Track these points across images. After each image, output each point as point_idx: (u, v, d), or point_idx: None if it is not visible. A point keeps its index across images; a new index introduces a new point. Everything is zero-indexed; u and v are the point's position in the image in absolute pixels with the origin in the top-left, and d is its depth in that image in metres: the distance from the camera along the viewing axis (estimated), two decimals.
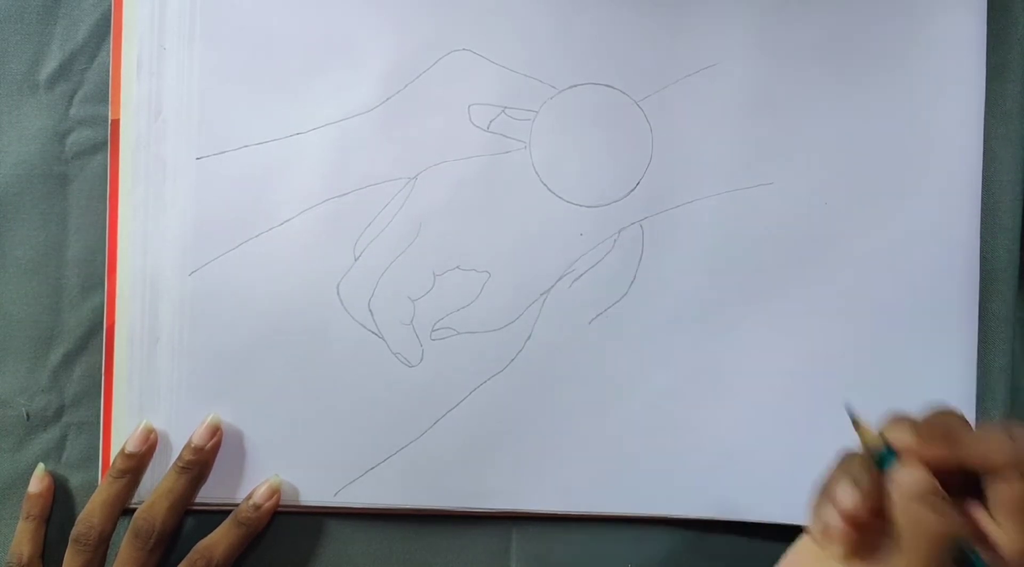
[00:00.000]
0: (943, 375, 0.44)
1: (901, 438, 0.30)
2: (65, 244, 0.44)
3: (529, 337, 0.43)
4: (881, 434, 0.31)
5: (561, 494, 0.43)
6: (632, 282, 0.44)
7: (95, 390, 0.44)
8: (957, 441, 0.30)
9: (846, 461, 0.31)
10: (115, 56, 0.43)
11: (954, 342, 0.44)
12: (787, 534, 0.44)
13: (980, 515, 0.29)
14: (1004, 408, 0.45)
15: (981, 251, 0.45)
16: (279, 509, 0.43)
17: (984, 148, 0.45)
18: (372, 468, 0.43)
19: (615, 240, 0.44)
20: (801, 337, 0.44)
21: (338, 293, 0.43)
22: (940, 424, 0.31)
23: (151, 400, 0.43)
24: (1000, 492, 0.28)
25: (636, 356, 0.43)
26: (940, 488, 0.29)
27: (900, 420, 0.31)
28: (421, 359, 0.43)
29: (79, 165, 0.44)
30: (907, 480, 0.29)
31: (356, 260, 0.43)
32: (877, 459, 0.30)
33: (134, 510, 0.41)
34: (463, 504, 0.43)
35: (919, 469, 0.29)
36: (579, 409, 0.43)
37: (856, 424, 0.32)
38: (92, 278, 0.44)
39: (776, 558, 0.44)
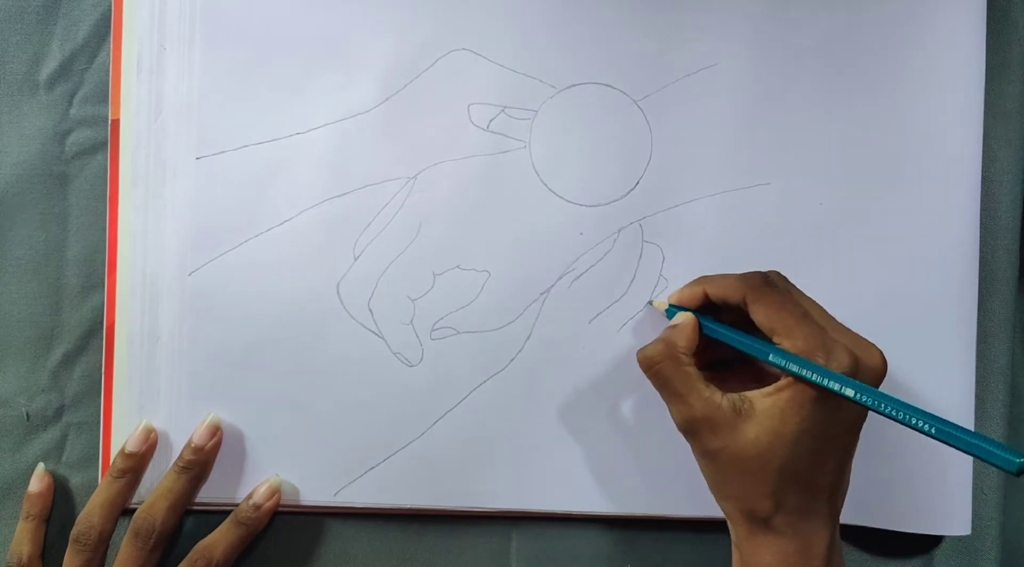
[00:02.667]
0: (943, 375, 0.44)
1: (672, 296, 0.42)
2: (65, 244, 0.44)
3: (529, 337, 0.43)
4: (666, 302, 0.42)
5: (561, 494, 0.43)
6: (632, 282, 0.44)
7: (95, 390, 0.44)
8: (704, 284, 0.40)
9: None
10: (115, 56, 0.43)
11: (954, 342, 0.44)
12: None
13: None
14: (1004, 408, 0.45)
15: (981, 251, 0.44)
16: (279, 509, 0.43)
17: (984, 148, 0.45)
18: (372, 468, 0.43)
19: (615, 240, 0.44)
20: None
21: (338, 293, 0.43)
22: (698, 279, 0.40)
23: (151, 400, 0.43)
24: (753, 315, 0.37)
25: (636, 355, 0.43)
26: (688, 315, 0.39)
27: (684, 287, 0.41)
28: (421, 359, 0.43)
29: (79, 165, 0.44)
30: (675, 318, 0.40)
31: (356, 260, 0.43)
32: (669, 316, 0.41)
33: (134, 510, 0.41)
34: (463, 504, 0.43)
35: (682, 313, 0.40)
36: (579, 409, 0.43)
37: (652, 303, 0.43)
38: (92, 278, 0.44)
39: None
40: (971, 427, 0.44)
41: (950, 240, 0.44)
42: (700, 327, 0.39)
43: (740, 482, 0.36)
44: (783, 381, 0.35)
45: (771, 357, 0.36)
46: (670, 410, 0.38)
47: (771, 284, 0.38)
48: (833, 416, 0.35)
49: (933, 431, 0.33)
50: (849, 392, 0.34)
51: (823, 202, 0.44)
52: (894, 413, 0.33)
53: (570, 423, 0.43)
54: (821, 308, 0.38)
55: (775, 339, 0.36)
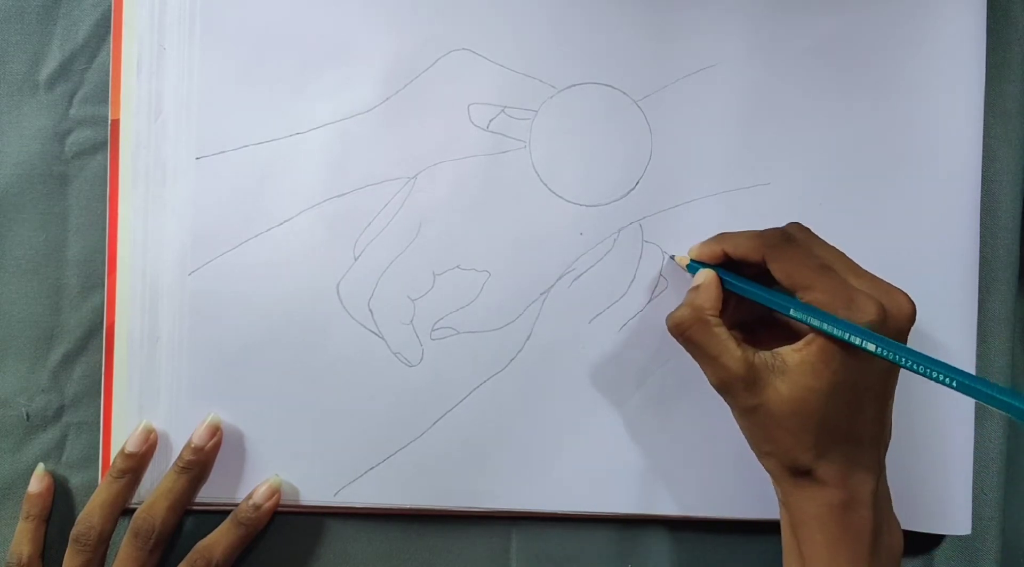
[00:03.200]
0: None
1: (691, 251, 0.41)
2: (65, 244, 0.44)
3: (529, 337, 0.43)
4: (686, 257, 0.42)
5: (561, 494, 0.43)
6: (632, 282, 0.44)
7: (95, 390, 0.44)
8: (724, 240, 0.40)
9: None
10: (115, 56, 0.43)
11: (954, 342, 0.44)
12: None
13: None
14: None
15: (981, 251, 0.44)
16: (279, 509, 0.43)
17: (984, 148, 0.44)
18: (372, 468, 0.43)
19: (615, 240, 0.44)
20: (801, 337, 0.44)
21: (338, 293, 0.43)
22: (718, 235, 0.41)
23: (151, 400, 0.43)
24: (773, 271, 0.37)
25: (636, 356, 0.43)
26: (710, 272, 0.39)
27: (703, 242, 0.41)
28: (421, 359, 0.43)
29: (79, 165, 0.44)
30: (696, 276, 0.40)
31: (356, 260, 0.43)
32: (691, 271, 0.41)
33: (134, 510, 0.41)
34: (463, 504, 0.43)
35: (703, 270, 0.40)
36: (579, 409, 0.43)
37: (673, 258, 0.43)
38: (92, 278, 0.44)
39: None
40: (971, 427, 0.44)
41: (950, 240, 0.44)
42: (723, 284, 0.39)
43: (779, 437, 0.36)
44: (810, 335, 0.35)
45: (792, 311, 0.36)
46: (704, 371, 0.38)
47: (790, 239, 0.38)
48: (864, 367, 0.35)
49: (955, 385, 0.33)
50: (871, 346, 0.34)
51: (823, 202, 0.44)
52: (915, 366, 0.33)
53: (570, 423, 0.43)
54: (844, 257, 0.38)
55: (797, 294, 0.36)
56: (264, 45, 0.43)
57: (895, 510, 0.43)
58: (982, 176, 0.44)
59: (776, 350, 0.36)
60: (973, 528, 0.44)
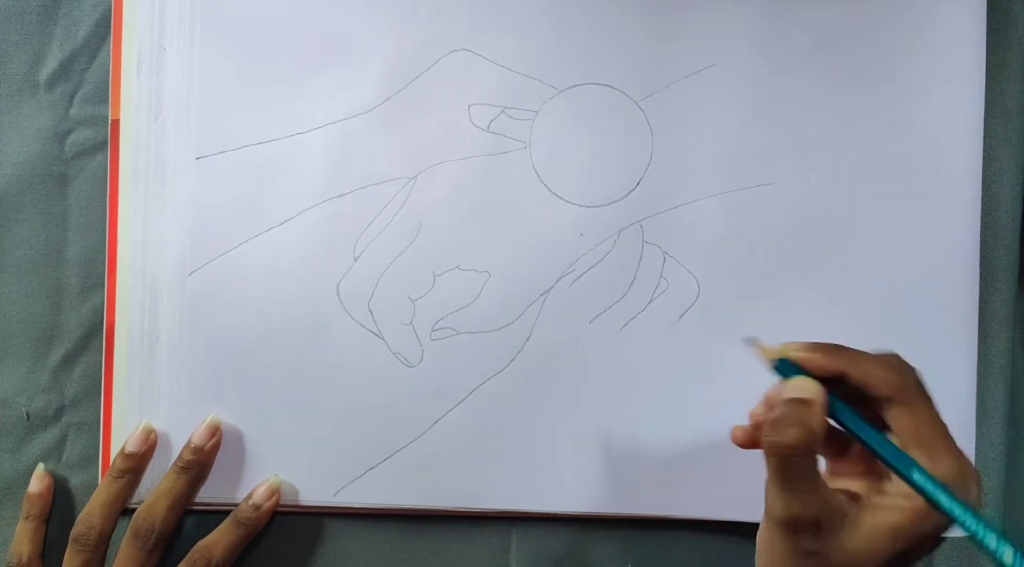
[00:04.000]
0: (943, 375, 0.44)
1: (797, 351, 0.33)
2: (65, 244, 0.44)
3: (529, 337, 0.43)
4: (781, 349, 0.33)
5: (561, 494, 0.43)
6: (632, 282, 0.44)
7: (95, 390, 0.44)
8: (846, 358, 0.32)
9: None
10: (115, 56, 0.43)
11: (954, 342, 0.44)
12: None
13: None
14: (1004, 408, 0.45)
15: (981, 251, 0.44)
16: (279, 509, 0.43)
17: (984, 148, 0.44)
18: (372, 468, 0.43)
19: (615, 240, 0.44)
20: (801, 337, 0.44)
21: (338, 293, 0.43)
22: (834, 346, 0.33)
23: (151, 400, 0.43)
24: (894, 417, 0.32)
25: (636, 356, 0.43)
26: (821, 390, 0.32)
27: (801, 344, 0.33)
28: (421, 359, 0.43)
29: (79, 165, 0.44)
30: (794, 384, 0.32)
31: (356, 260, 0.43)
32: (779, 372, 0.33)
33: (134, 510, 0.41)
34: (463, 504, 0.43)
35: (809, 379, 0.32)
36: (579, 409, 0.43)
37: (755, 343, 0.34)
38: (92, 278, 0.44)
39: None
40: (971, 427, 0.44)
41: (950, 240, 0.44)
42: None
43: None
44: (906, 502, 0.31)
45: (916, 477, 0.30)
46: (775, 500, 0.32)
47: (923, 389, 0.32)
48: (926, 542, 0.31)
49: None
50: (1008, 556, 0.29)
51: (824, 202, 0.44)
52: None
53: (570, 423, 0.43)
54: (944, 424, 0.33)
55: (919, 455, 0.31)
56: (264, 45, 0.43)
57: None
58: (982, 176, 0.44)
59: (856, 495, 0.32)
60: None
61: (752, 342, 0.35)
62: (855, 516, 0.31)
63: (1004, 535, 0.29)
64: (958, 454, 0.31)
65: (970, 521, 0.29)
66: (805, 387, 0.32)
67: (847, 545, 0.31)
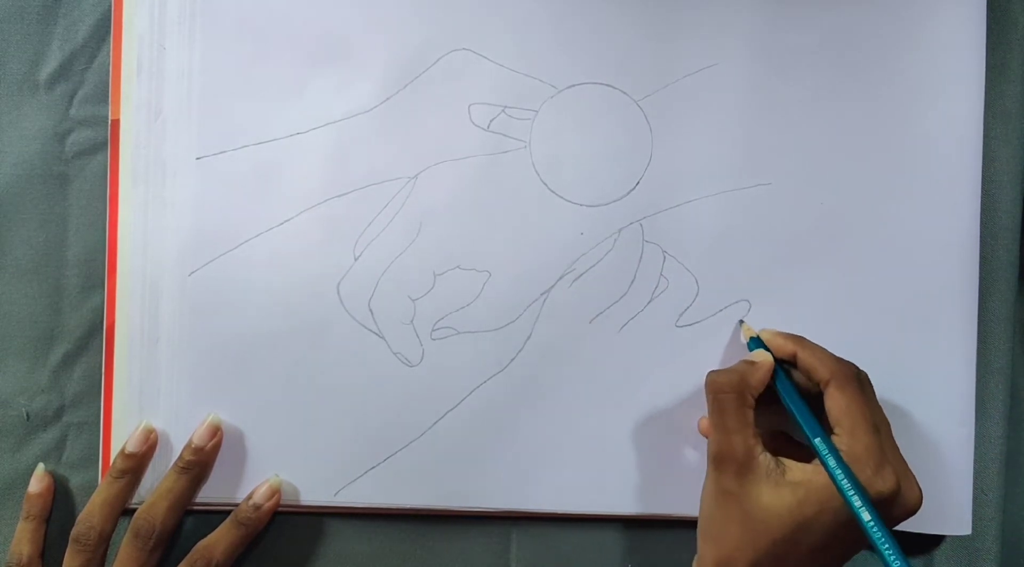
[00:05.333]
0: (943, 375, 0.44)
1: (766, 333, 0.41)
2: (65, 244, 0.44)
3: (529, 337, 0.43)
4: (755, 331, 0.42)
5: (561, 494, 0.43)
6: (632, 282, 0.44)
7: (95, 390, 0.44)
8: (800, 344, 0.40)
9: None
10: (115, 56, 0.43)
11: (954, 342, 0.44)
12: None
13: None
14: (1004, 408, 0.45)
15: (981, 251, 0.44)
16: (279, 509, 0.43)
17: (984, 148, 0.44)
18: (372, 468, 0.43)
19: (615, 240, 0.44)
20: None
21: (338, 293, 0.43)
22: (796, 336, 0.41)
23: (151, 400, 0.43)
24: (829, 397, 0.38)
25: (636, 356, 0.43)
26: (769, 359, 0.40)
27: (772, 330, 0.42)
28: (421, 359, 0.43)
29: (79, 165, 0.44)
30: (755, 353, 0.40)
31: (356, 260, 0.43)
32: (750, 348, 0.41)
33: (134, 510, 0.41)
34: (463, 504, 0.43)
35: (763, 351, 0.40)
36: (579, 409, 0.43)
37: (742, 324, 0.43)
38: (92, 278, 0.44)
39: None
40: (971, 427, 0.44)
41: (950, 240, 0.44)
42: (774, 377, 0.40)
43: (732, 532, 0.36)
44: (819, 477, 0.36)
45: (818, 442, 0.37)
46: (712, 438, 0.38)
47: (861, 381, 0.38)
48: (847, 524, 0.36)
49: None
50: (866, 516, 0.35)
51: (824, 202, 0.44)
52: (888, 557, 0.35)
53: (570, 423, 0.43)
54: (889, 428, 0.38)
55: (836, 431, 0.37)
56: (264, 45, 0.43)
57: None
58: (982, 176, 0.44)
59: (782, 459, 0.37)
60: (973, 528, 0.44)
61: (739, 323, 0.43)
62: (778, 475, 0.36)
63: (871, 505, 0.35)
64: (877, 444, 0.36)
65: (845, 488, 0.35)
66: (758, 355, 0.40)
67: (763, 498, 0.36)
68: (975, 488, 0.44)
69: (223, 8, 0.43)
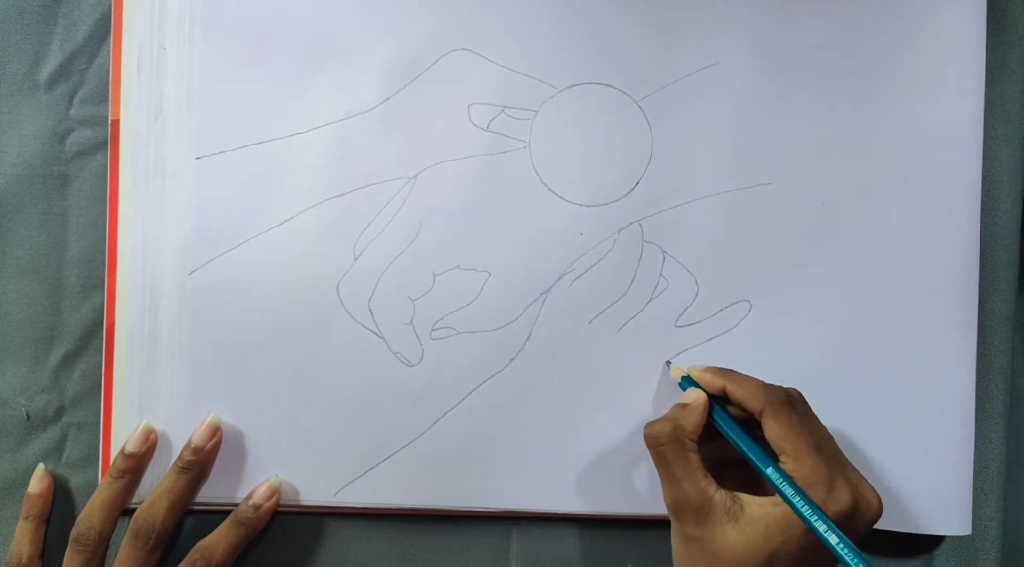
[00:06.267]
0: (943, 375, 0.44)
1: (695, 371, 0.41)
2: (65, 244, 0.44)
3: (529, 337, 0.43)
4: (685, 370, 0.42)
5: (561, 494, 0.43)
6: (632, 282, 0.44)
7: (95, 390, 0.44)
8: (728, 378, 0.40)
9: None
10: (115, 56, 0.43)
11: (954, 342, 0.44)
12: None
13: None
14: (1004, 408, 0.45)
15: (981, 251, 0.44)
16: (279, 509, 0.43)
17: (984, 148, 0.44)
18: (372, 468, 0.43)
19: (615, 240, 0.44)
20: (799, 337, 0.44)
21: (338, 293, 0.43)
22: (724, 370, 0.41)
23: (151, 400, 0.43)
24: (766, 427, 0.38)
25: (636, 356, 0.43)
26: (703, 398, 0.40)
27: (700, 367, 0.42)
28: (421, 359, 0.43)
29: (79, 165, 0.44)
30: (687, 393, 0.41)
31: (356, 260, 0.43)
32: (682, 387, 0.41)
33: (134, 510, 0.41)
34: (463, 504, 0.43)
35: (695, 389, 0.40)
36: (579, 409, 0.43)
37: (669, 365, 0.43)
38: (92, 278, 0.44)
39: None
40: (971, 427, 0.44)
41: (950, 240, 0.44)
42: (711, 412, 0.40)
43: None
44: (776, 507, 0.36)
45: (770, 472, 0.37)
46: (663, 487, 0.39)
47: (792, 405, 0.38)
48: (814, 547, 0.36)
49: None
50: (833, 539, 0.35)
51: (824, 202, 0.44)
52: None
53: (570, 423, 0.43)
54: (833, 441, 0.39)
55: (782, 459, 0.37)
56: (264, 45, 0.43)
57: (894, 510, 0.43)
58: (982, 176, 0.44)
59: (738, 495, 0.37)
60: (973, 528, 0.44)
61: (666, 364, 0.43)
62: (738, 511, 0.36)
63: (834, 526, 0.35)
64: (824, 463, 0.36)
65: (807, 515, 0.35)
66: (690, 395, 0.40)
67: (729, 535, 0.36)
68: (975, 488, 0.44)
69: (223, 8, 0.43)
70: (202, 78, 0.43)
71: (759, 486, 0.38)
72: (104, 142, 0.44)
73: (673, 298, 0.44)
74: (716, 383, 0.40)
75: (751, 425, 0.39)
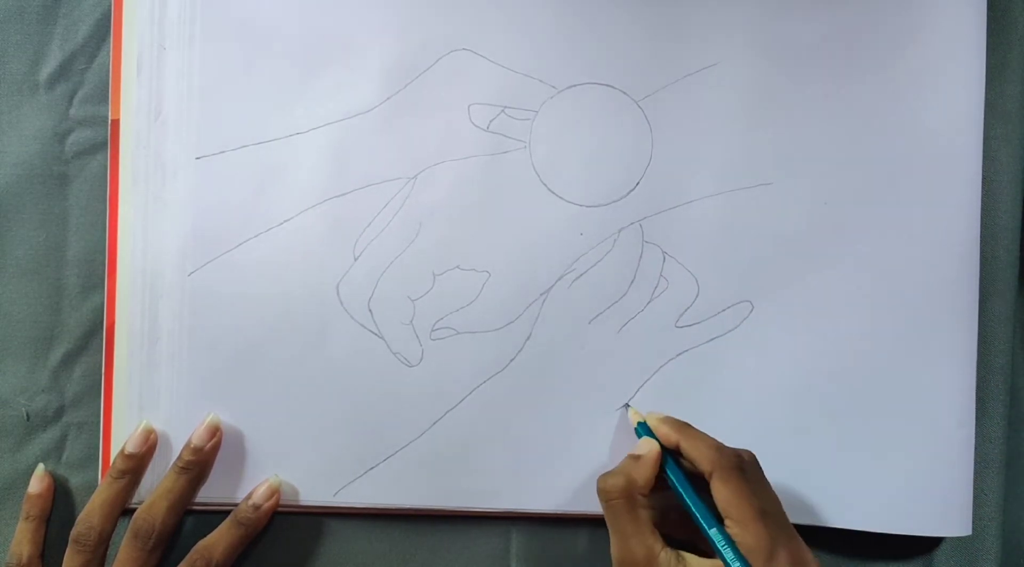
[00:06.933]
0: (943, 375, 0.44)
1: (653, 419, 0.41)
2: (65, 244, 0.44)
3: (529, 337, 0.43)
4: (643, 416, 0.42)
5: (561, 494, 0.43)
6: (632, 282, 0.44)
7: (95, 390, 0.44)
8: (683, 433, 0.40)
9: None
10: (115, 56, 0.43)
11: (954, 342, 0.44)
12: None
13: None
14: (1004, 408, 0.45)
15: (981, 251, 0.44)
16: (279, 509, 0.43)
17: (984, 148, 0.44)
18: (372, 468, 0.43)
19: (615, 240, 0.44)
20: (801, 337, 0.44)
21: (338, 293, 0.43)
22: (681, 423, 0.41)
23: (151, 400, 0.43)
24: (714, 489, 0.38)
25: (636, 356, 0.43)
26: (656, 450, 0.40)
27: (658, 416, 0.42)
28: (421, 359, 0.43)
29: (79, 165, 0.44)
30: (640, 444, 0.41)
31: (356, 260, 0.43)
32: (637, 433, 0.42)
33: (134, 510, 0.41)
34: (463, 504, 0.43)
35: (650, 440, 0.41)
36: (579, 409, 0.43)
37: (628, 408, 0.43)
38: (92, 278, 0.44)
39: None
40: (971, 427, 0.44)
41: (950, 240, 0.44)
42: (663, 464, 0.40)
43: None
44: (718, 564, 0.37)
45: (713, 532, 0.37)
46: (611, 539, 0.39)
47: (742, 469, 0.38)
48: None
49: None
50: None
51: (824, 202, 0.44)
52: None
53: (570, 423, 0.43)
54: (779, 507, 0.39)
55: (727, 522, 0.37)
56: (264, 45, 0.43)
57: (894, 511, 0.43)
58: (982, 176, 0.44)
59: (683, 555, 0.37)
60: (973, 528, 0.44)
61: (625, 407, 0.43)
62: None
63: None
64: (768, 532, 0.36)
65: None
66: (644, 446, 0.40)
67: None
68: (975, 488, 0.44)
69: (223, 8, 0.43)
70: (202, 78, 0.43)
71: (705, 541, 0.38)
72: (104, 142, 0.44)
73: (674, 298, 0.44)
74: (671, 437, 0.40)
75: (702, 481, 0.39)
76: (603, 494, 0.39)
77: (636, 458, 0.40)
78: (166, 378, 0.43)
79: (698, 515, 0.38)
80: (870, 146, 0.44)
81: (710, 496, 0.38)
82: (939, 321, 0.44)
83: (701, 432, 0.40)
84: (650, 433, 0.41)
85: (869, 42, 0.44)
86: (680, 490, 0.39)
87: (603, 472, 0.40)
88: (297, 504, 0.43)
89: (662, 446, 0.40)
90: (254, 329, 0.43)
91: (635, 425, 0.42)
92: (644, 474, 0.39)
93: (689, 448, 0.39)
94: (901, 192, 0.44)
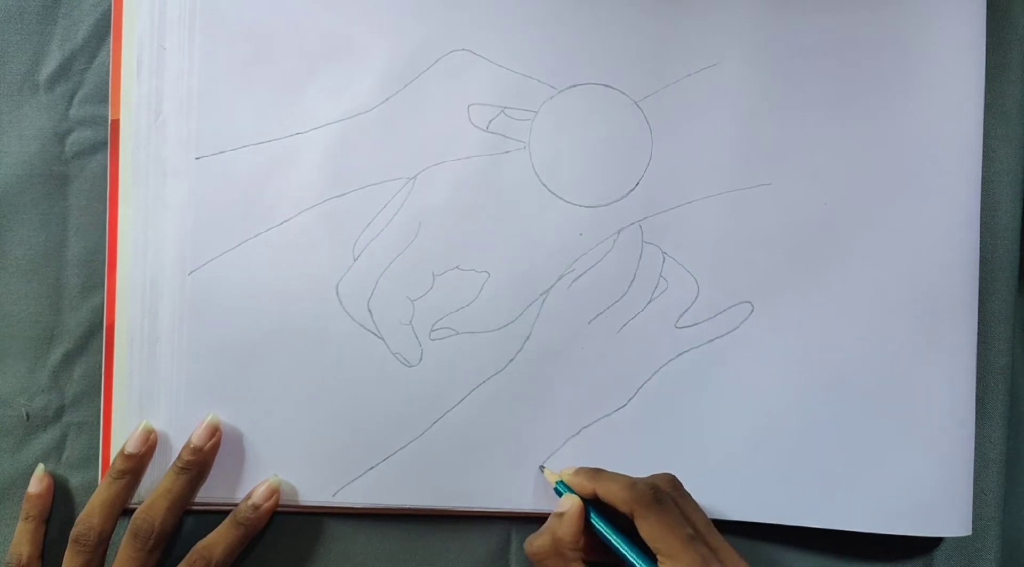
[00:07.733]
0: (943, 375, 0.44)
1: (567, 476, 0.42)
2: (65, 244, 0.44)
3: (529, 337, 0.43)
4: (557, 474, 0.42)
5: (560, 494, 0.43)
6: (632, 282, 0.44)
7: (95, 390, 0.44)
8: (596, 480, 0.40)
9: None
10: (115, 56, 0.43)
11: (954, 342, 0.44)
12: (785, 535, 0.45)
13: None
14: (1004, 408, 0.45)
15: (981, 251, 0.44)
16: (279, 509, 0.43)
17: (984, 148, 0.44)
18: (372, 468, 0.43)
19: (615, 240, 0.44)
20: (801, 337, 0.44)
21: (337, 293, 0.43)
22: (593, 470, 0.41)
23: (151, 400, 0.43)
24: (638, 528, 0.38)
25: (636, 356, 0.43)
26: (577, 504, 0.40)
27: (571, 470, 0.42)
28: (420, 359, 0.43)
29: (79, 165, 0.44)
30: (562, 501, 0.40)
31: (355, 260, 0.43)
32: (557, 492, 0.41)
33: (134, 510, 0.41)
34: (463, 504, 0.43)
35: (570, 496, 0.40)
36: (578, 409, 0.43)
37: (543, 470, 0.43)
38: (92, 278, 0.44)
39: (774, 558, 0.45)
40: (971, 427, 0.44)
41: (950, 240, 0.44)
42: (589, 516, 0.40)
43: None
44: None
45: None
46: None
47: (660, 500, 0.38)
48: None
49: None
50: None
51: (824, 202, 0.44)
52: None
53: (569, 423, 0.43)
54: (708, 523, 0.39)
55: (660, 559, 0.37)
56: (264, 45, 0.43)
57: (894, 511, 0.43)
58: (982, 176, 0.44)
59: None
60: (973, 528, 0.44)
61: (540, 469, 0.43)
62: None
63: None
64: (700, 556, 0.36)
65: None
66: (565, 502, 0.40)
67: None
68: (975, 488, 0.44)
69: (223, 8, 0.43)
70: (202, 78, 0.43)
71: None
72: (104, 142, 0.44)
73: (673, 299, 0.44)
74: (586, 488, 0.40)
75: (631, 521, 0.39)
76: (533, 557, 0.39)
77: (560, 516, 0.40)
78: (166, 378, 0.43)
79: (631, 559, 0.38)
80: (870, 146, 0.44)
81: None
82: (939, 321, 0.44)
83: (614, 474, 0.41)
84: (570, 489, 0.41)
85: (869, 42, 0.44)
86: (608, 538, 0.39)
87: (531, 535, 0.40)
88: (297, 504, 0.43)
89: (584, 499, 0.40)
90: (254, 329, 0.43)
91: (554, 485, 0.42)
92: (569, 531, 0.39)
93: (605, 493, 0.39)
94: (901, 192, 0.44)
